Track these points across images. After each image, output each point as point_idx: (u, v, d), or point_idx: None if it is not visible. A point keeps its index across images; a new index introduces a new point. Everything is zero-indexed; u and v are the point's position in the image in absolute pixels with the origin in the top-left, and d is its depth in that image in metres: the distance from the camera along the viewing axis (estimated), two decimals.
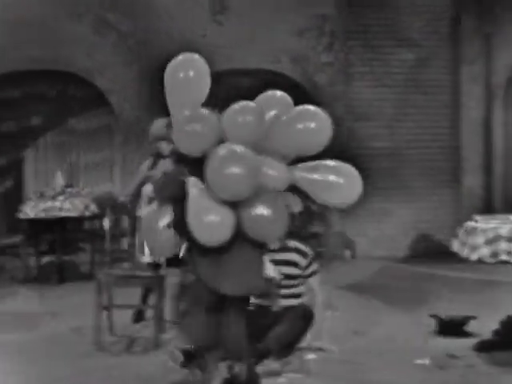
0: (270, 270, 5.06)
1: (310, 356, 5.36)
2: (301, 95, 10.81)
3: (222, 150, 4.42)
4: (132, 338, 6.14)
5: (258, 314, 5.22)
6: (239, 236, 4.46)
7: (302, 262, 5.47)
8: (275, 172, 4.67)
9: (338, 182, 4.81)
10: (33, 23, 9.82)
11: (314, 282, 5.50)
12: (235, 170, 4.31)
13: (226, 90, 11.26)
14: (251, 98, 4.83)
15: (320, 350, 5.37)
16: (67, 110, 10.77)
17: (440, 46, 10.38)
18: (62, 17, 9.89)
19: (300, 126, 4.77)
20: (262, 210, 4.42)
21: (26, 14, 9.79)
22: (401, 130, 10.32)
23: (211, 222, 4.32)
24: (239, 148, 4.43)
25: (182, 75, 4.91)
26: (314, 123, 4.84)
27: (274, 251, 5.40)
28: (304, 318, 5.27)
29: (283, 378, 5.05)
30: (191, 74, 4.92)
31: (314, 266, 5.51)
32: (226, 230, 4.36)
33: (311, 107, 4.89)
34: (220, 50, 10.20)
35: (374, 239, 10.20)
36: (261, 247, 4.68)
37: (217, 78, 10.61)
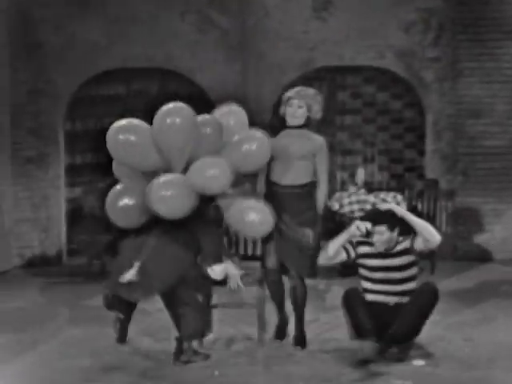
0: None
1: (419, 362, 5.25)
2: (405, 91, 10.57)
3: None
4: None
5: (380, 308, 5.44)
6: None
7: (407, 244, 5.57)
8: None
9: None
10: (139, 21, 9.95)
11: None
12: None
13: (328, 87, 11.10)
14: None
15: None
16: None
17: None
18: (166, 15, 9.94)
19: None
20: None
21: (133, 12, 9.95)
22: None
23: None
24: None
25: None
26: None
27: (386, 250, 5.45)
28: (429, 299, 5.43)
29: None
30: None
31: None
32: None
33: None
34: (321, 47, 10.08)
35: (485, 241, 9.77)
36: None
37: (317, 74, 10.62)
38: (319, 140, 5.92)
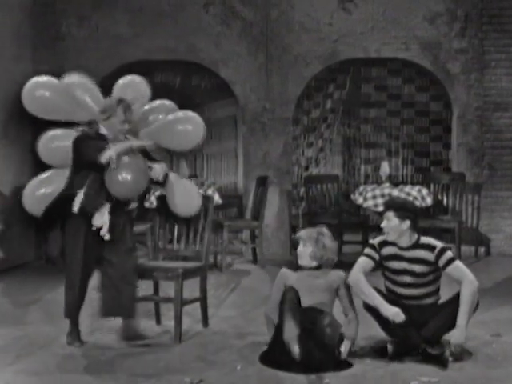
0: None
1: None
2: (431, 84, 10.45)
3: None
4: None
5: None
6: None
7: (430, 256, 5.37)
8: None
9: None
10: (162, 13, 9.94)
11: (453, 270, 5.32)
12: None
13: (352, 79, 11.01)
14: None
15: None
16: (191, 100, 10.78)
17: None
18: (189, 6, 9.90)
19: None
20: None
21: (156, 4, 9.95)
22: None
23: None
24: None
25: None
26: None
27: (402, 249, 5.43)
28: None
29: None
30: None
31: (447, 256, 5.34)
32: None
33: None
34: (345, 39, 9.98)
35: (511, 235, 9.64)
36: None
37: (341, 67, 10.52)
38: None
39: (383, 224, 5.45)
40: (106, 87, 10.32)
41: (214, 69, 10.11)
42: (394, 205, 5.51)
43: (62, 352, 5.56)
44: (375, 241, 5.56)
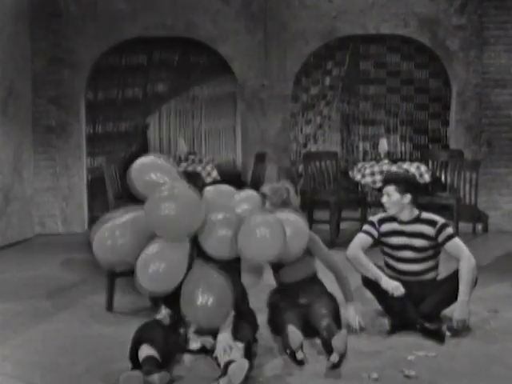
0: None
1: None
2: (430, 61, 10.40)
3: None
4: None
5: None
6: None
7: (430, 231, 5.40)
8: None
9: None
10: None
11: (451, 246, 5.35)
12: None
13: (351, 56, 10.96)
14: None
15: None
16: (190, 78, 10.76)
17: None
18: None
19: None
20: None
21: None
22: None
23: None
24: None
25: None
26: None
27: (402, 223, 5.44)
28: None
29: None
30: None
31: (447, 232, 5.38)
32: None
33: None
34: (344, 16, 9.96)
35: (509, 212, 9.66)
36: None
37: (340, 43, 10.47)
38: None
39: (384, 199, 5.46)
40: (103, 64, 10.36)
41: (212, 46, 10.07)
42: (394, 179, 5.52)
43: (62, 327, 5.60)
44: (375, 218, 5.58)
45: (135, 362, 4.49)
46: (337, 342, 4.62)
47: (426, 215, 5.48)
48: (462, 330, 5.19)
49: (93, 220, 10.11)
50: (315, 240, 5.36)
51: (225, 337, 4.64)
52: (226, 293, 4.51)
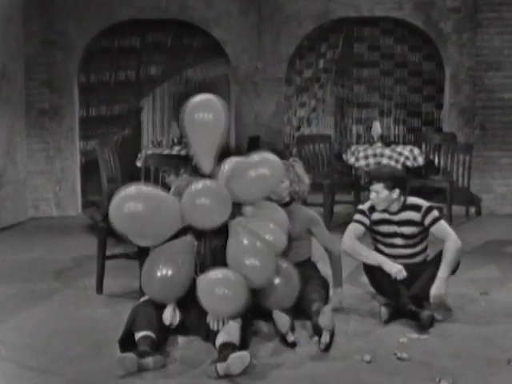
0: None
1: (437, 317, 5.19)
2: (424, 44, 10.39)
3: None
4: None
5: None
6: None
7: (417, 216, 5.43)
8: None
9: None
10: None
11: (437, 229, 5.38)
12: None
13: (345, 39, 10.94)
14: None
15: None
16: (183, 60, 10.73)
17: None
18: None
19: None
20: None
21: None
22: None
23: None
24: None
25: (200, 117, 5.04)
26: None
27: (392, 213, 5.49)
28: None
29: None
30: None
31: (432, 215, 5.40)
32: None
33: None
34: None
35: (502, 196, 9.68)
36: None
37: (333, 26, 10.44)
38: None
39: (372, 196, 5.46)
40: (96, 47, 10.31)
41: (205, 28, 10.01)
42: (381, 177, 5.47)
43: (55, 310, 5.61)
44: (365, 206, 5.58)
45: (127, 345, 4.50)
46: (323, 320, 4.68)
47: (410, 200, 5.50)
48: (438, 307, 5.23)
49: (85, 204, 10.13)
50: (318, 222, 5.43)
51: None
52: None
